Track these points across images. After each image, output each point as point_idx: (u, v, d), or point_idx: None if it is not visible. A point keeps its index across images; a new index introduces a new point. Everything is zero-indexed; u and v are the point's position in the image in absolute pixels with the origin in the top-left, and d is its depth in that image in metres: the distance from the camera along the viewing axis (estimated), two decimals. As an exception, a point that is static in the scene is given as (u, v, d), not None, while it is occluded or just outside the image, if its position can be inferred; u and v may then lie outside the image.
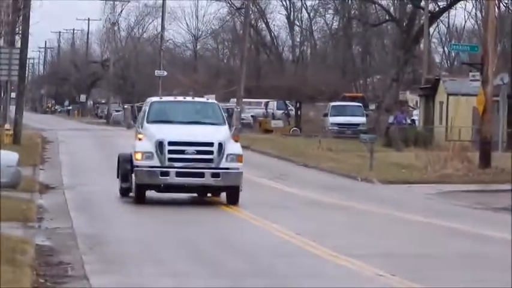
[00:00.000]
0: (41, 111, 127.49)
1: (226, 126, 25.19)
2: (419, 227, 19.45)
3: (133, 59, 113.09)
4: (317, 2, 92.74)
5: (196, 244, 20.92)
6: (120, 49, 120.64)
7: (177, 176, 23.18)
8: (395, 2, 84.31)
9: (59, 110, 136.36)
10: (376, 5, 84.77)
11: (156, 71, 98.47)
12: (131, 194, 26.83)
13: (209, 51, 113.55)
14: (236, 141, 24.84)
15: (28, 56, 67.86)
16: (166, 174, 23.30)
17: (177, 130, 24.17)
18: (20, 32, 56.54)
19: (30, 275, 15.12)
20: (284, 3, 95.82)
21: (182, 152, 23.43)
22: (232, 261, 18.72)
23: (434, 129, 67.21)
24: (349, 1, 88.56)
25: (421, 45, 74.64)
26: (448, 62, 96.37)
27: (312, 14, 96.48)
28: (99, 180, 40.16)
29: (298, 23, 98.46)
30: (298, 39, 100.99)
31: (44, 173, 41.21)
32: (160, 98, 32.20)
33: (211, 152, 23.24)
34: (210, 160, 23.24)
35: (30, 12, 58.28)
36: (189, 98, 33.62)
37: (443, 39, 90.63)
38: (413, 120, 72.22)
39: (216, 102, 28.85)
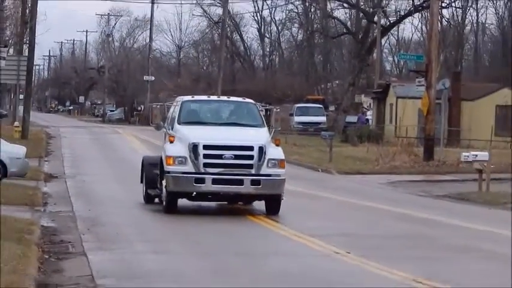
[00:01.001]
0: (45, 111, 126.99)
1: (266, 128, 20.14)
2: (371, 212, 19.76)
3: (125, 66, 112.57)
4: (284, 16, 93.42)
5: (183, 222, 19.87)
6: (114, 57, 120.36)
7: (213, 184, 18.29)
8: (352, 17, 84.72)
9: (61, 109, 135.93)
10: (335, 20, 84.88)
11: (144, 76, 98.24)
12: (156, 200, 22.04)
13: (191, 59, 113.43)
14: (277, 145, 19.74)
15: (34, 63, 67.55)
16: (201, 181, 18.37)
17: (212, 132, 19.32)
18: (27, 42, 56.67)
19: (36, 251, 15.30)
20: (255, 17, 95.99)
21: (219, 156, 18.49)
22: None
23: (385, 128, 67.18)
24: (312, 16, 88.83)
25: (374, 55, 74.81)
26: (397, 69, 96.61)
27: (280, 28, 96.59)
28: (96, 170, 40.18)
29: (267, 35, 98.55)
30: (267, 49, 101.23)
31: (48, 164, 40.97)
32: (192, 97, 24.76)
33: (251, 157, 18.47)
34: (249, 166, 18.45)
35: (36, 25, 57.98)
36: (223, 97, 26.94)
37: (393, 49, 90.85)
38: (367, 120, 72.59)
39: (253, 102, 22.79)
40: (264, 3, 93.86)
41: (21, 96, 60.55)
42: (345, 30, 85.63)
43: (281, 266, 14.59)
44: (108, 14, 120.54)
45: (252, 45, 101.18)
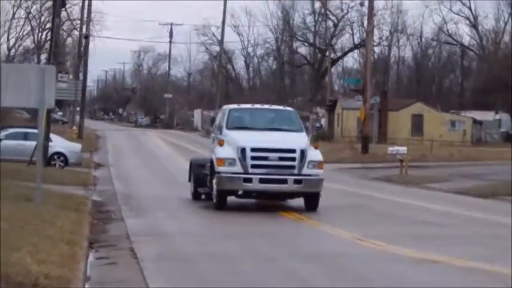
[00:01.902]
0: (95, 119, 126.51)
1: (305, 133, 17.49)
2: (325, 190, 19.55)
3: (151, 87, 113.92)
4: (263, 52, 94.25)
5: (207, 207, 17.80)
6: (143, 81, 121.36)
7: (260, 183, 15.75)
8: (311, 52, 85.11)
9: (106, 118, 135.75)
10: (299, 54, 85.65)
11: (165, 94, 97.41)
12: (203, 197, 18.75)
13: (197, 82, 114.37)
14: (316, 148, 17.00)
15: (87, 85, 67.28)
16: (249, 180, 15.75)
17: (258, 137, 16.59)
18: (82, 70, 56.86)
19: (88, 218, 15.37)
20: (243, 53, 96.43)
21: (265, 158, 15.90)
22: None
23: (334, 130, 66.63)
24: (282, 52, 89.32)
25: (326, 79, 75.17)
26: (343, 89, 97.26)
27: (260, 60, 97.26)
28: (130, 160, 40.01)
29: (251, 65, 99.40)
30: (251, 75, 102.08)
31: (97, 156, 40.48)
32: (238, 105, 21.66)
33: (293, 159, 15.89)
34: (292, 167, 15.86)
35: (88, 58, 58.11)
36: (266, 106, 22.18)
37: (340, 75, 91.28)
38: (321, 125, 72.99)
39: (292, 109, 20.08)
40: (249, 43, 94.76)
41: (78, 109, 60.09)
42: (305, 62, 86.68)
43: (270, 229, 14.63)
44: (139, 50, 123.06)
45: (240, 72, 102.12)
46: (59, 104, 35.17)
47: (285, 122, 17.66)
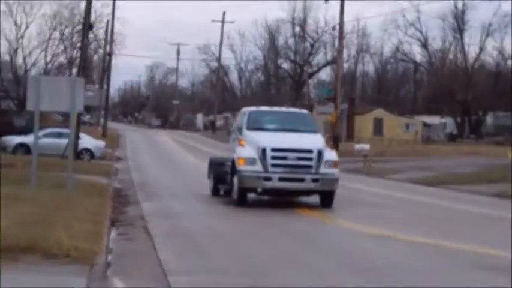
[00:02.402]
0: (116, 121, 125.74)
1: (320, 134, 15.61)
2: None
3: (162, 95, 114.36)
4: (253, 67, 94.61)
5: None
6: (155, 90, 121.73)
7: (279, 181, 13.94)
8: (292, 67, 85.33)
9: (125, 120, 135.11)
10: (283, 69, 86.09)
11: (173, 101, 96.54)
12: (221, 193, 16.55)
13: (199, 91, 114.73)
14: (332, 149, 15.42)
15: (110, 93, 67.12)
16: (269, 179, 13.90)
17: (277, 137, 14.80)
18: (106, 81, 56.20)
19: (110, 202, 15.25)
20: (236, 67, 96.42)
21: (284, 158, 14.03)
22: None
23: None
24: (269, 67, 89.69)
25: (304, 89, 75.09)
26: (318, 97, 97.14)
27: (250, 73, 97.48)
28: (145, 155, 39.49)
29: (243, 78, 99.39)
30: (243, 86, 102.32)
31: (118, 151, 40.25)
32: (257, 107, 19.54)
33: (311, 159, 14.06)
34: (310, 166, 14.02)
35: (111, 72, 57.59)
36: (283, 108, 20.20)
37: (316, 85, 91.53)
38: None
39: (307, 111, 18.45)
40: (241, 59, 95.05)
41: (102, 112, 59.33)
42: (287, 75, 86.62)
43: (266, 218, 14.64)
44: (152, 66, 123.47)
45: (234, 83, 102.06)
46: (87, 109, 34.97)
47: (301, 123, 15.64)
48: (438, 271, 8.45)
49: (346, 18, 40.86)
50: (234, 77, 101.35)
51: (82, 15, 31.35)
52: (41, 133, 22.21)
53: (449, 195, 20.87)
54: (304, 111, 17.86)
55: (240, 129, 15.22)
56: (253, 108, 17.89)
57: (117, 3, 52.44)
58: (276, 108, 18.89)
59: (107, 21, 52.49)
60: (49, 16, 51.38)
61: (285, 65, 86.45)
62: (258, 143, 13.83)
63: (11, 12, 47.60)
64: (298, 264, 8.88)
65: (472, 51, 72.78)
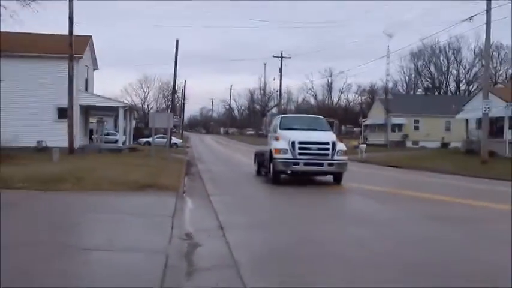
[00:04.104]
0: (189, 132, 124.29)
1: (332, 132, 16.64)
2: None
3: (207, 118, 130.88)
4: (244, 107, 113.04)
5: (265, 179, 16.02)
6: (203, 115, 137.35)
7: (304, 165, 14.99)
8: (260, 107, 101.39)
9: (191, 130, 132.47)
10: (256, 108, 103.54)
11: (211, 122, 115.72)
12: (262, 173, 17.75)
13: (220, 114, 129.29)
14: (341, 141, 16.08)
15: (184, 119, 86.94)
16: (297, 164, 14.96)
17: (303, 134, 15.73)
18: (170, 106, 64.04)
19: (184, 165, 20.73)
20: (237, 106, 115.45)
21: (308, 148, 15.10)
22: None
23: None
24: (251, 106, 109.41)
25: (264, 118, 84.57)
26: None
27: (242, 109, 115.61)
28: (199, 145, 51.38)
29: (240, 111, 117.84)
30: (240, 113, 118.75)
31: (187, 144, 50.53)
32: (286, 114, 23.07)
33: (328, 149, 15.09)
34: (327, 154, 15.05)
35: (185, 103, 70.47)
36: (304, 114, 23.38)
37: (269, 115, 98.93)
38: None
39: (322, 117, 18.83)
40: (238, 103, 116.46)
41: (180, 127, 72.67)
42: (258, 110, 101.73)
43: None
44: (200, 109, 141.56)
45: (235, 112, 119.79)
46: (175, 126, 49.68)
47: (318, 124, 16.71)
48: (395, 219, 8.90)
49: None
50: (236, 110, 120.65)
51: (171, 87, 53.65)
52: (155, 136, 31.94)
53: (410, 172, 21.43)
54: (320, 116, 18.59)
55: (275, 129, 16.41)
56: (284, 115, 20.21)
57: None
58: (299, 115, 23.45)
59: (182, 90, 79.61)
60: (158, 87, 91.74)
61: (257, 106, 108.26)
62: (289, 138, 14.89)
63: (141, 85, 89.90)
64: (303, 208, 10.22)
65: None
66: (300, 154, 14.72)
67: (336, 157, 14.79)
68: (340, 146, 15.04)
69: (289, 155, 14.75)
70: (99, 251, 5.55)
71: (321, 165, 14.71)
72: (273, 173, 15.08)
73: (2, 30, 23.69)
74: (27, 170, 14.33)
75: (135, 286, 4.33)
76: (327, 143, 14.88)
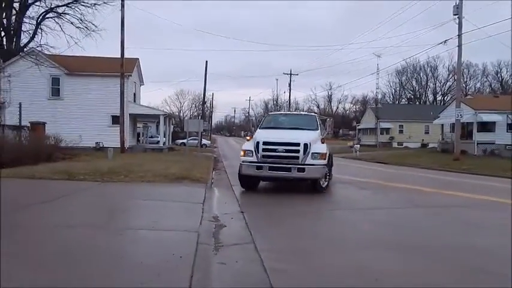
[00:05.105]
0: (217, 135, 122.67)
1: (318, 131, 11.62)
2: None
3: (231, 124, 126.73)
4: (261, 110, 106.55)
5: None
6: (228, 121, 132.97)
7: (269, 170, 10.44)
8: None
9: (218, 133, 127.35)
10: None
11: (233, 127, 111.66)
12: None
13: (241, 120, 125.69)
14: (323, 142, 11.03)
15: (212, 124, 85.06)
16: (261, 168, 10.48)
17: (275, 134, 11.11)
18: (201, 114, 65.76)
19: (213, 161, 20.31)
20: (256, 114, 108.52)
21: (273, 150, 10.51)
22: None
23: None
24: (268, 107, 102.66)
25: None
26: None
27: (259, 117, 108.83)
28: (224, 145, 48.90)
29: (256, 118, 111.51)
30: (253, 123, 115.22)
31: (214, 144, 48.09)
32: (275, 112, 15.53)
33: (297, 151, 10.48)
34: (295, 157, 10.46)
35: (213, 111, 69.61)
36: (295, 112, 13.73)
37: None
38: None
39: (314, 114, 13.80)
40: (255, 112, 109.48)
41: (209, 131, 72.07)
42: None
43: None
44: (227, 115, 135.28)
45: (253, 119, 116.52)
46: (205, 130, 49.77)
47: (305, 123, 12.03)
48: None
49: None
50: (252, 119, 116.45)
51: (202, 98, 51.94)
52: (189, 138, 32.48)
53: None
54: (311, 114, 13.83)
55: (256, 128, 12.38)
56: (272, 113, 15.86)
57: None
58: (288, 112, 16.22)
59: (211, 101, 79.83)
60: (191, 99, 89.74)
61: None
62: (256, 138, 10.75)
63: (178, 97, 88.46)
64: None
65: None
66: (263, 157, 10.38)
67: (308, 161, 10.28)
68: (318, 148, 10.52)
69: (253, 158, 10.52)
70: (144, 230, 5.67)
71: (289, 170, 10.21)
72: (239, 177, 10.80)
73: (69, 54, 25.78)
74: (89, 165, 14.64)
75: (173, 258, 4.41)
76: (297, 144, 10.31)
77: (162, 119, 31.26)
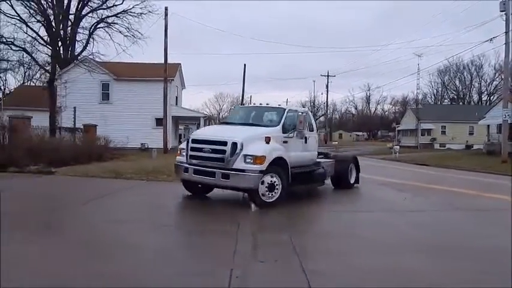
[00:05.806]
0: None
1: (278, 128, 8.62)
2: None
3: None
4: None
5: None
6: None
7: (194, 174, 8.17)
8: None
9: None
10: None
11: None
12: None
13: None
14: (267, 142, 8.11)
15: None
16: (187, 170, 8.30)
17: (215, 130, 8.94)
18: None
19: None
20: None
21: (200, 150, 8.14)
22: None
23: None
24: None
25: None
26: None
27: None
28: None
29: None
30: None
31: None
32: (243, 105, 15.41)
33: (223, 152, 7.79)
34: (221, 159, 7.78)
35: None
36: (264, 104, 9.63)
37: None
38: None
39: (284, 108, 9.39)
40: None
41: None
42: None
43: None
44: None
45: None
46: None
47: (266, 118, 9.28)
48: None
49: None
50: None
51: (240, 101, 49.77)
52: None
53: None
54: (281, 107, 9.63)
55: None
56: (238, 106, 14.20)
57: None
58: (255, 105, 10.16)
59: (248, 103, 75.40)
60: (230, 101, 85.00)
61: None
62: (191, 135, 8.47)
63: (217, 100, 76.67)
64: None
65: None
66: (191, 157, 8.42)
67: (237, 165, 7.85)
68: (253, 149, 7.91)
69: (183, 158, 8.61)
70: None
71: (213, 175, 7.98)
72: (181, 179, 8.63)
73: (117, 61, 26.87)
74: (135, 164, 15.14)
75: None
76: (224, 143, 7.97)
77: (202, 121, 31.94)
